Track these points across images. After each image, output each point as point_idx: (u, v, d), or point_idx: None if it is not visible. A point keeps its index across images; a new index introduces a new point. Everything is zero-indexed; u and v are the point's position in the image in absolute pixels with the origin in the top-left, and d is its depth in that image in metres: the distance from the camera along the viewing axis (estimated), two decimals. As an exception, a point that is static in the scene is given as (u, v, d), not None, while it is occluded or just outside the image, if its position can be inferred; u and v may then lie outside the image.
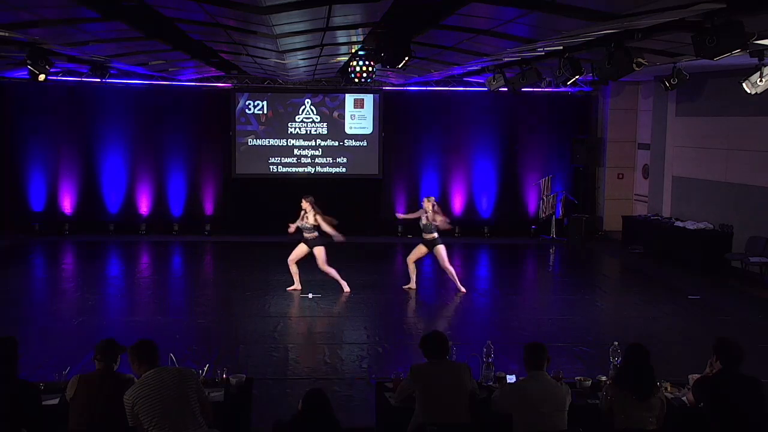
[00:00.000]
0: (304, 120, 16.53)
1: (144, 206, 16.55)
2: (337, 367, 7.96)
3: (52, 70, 10.79)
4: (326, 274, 11.11)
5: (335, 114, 16.58)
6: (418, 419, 4.94)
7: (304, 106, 16.51)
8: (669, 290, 12.01)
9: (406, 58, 9.48)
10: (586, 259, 15.19)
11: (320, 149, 16.63)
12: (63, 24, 8.25)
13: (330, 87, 16.43)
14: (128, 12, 7.88)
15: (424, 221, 11.05)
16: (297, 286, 11.22)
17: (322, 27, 7.90)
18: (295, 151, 16.58)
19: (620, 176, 17.05)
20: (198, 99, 16.45)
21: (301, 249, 11.04)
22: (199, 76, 15.84)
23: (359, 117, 16.64)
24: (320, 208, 10.97)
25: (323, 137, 16.61)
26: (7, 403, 4.54)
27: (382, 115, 16.62)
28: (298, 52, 10.21)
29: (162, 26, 8.84)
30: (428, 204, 11.09)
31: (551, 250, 15.89)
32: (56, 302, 10.86)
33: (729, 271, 12.90)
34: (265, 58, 11.25)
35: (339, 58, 12.13)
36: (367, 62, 11.97)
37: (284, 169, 16.55)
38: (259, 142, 16.51)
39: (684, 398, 5.34)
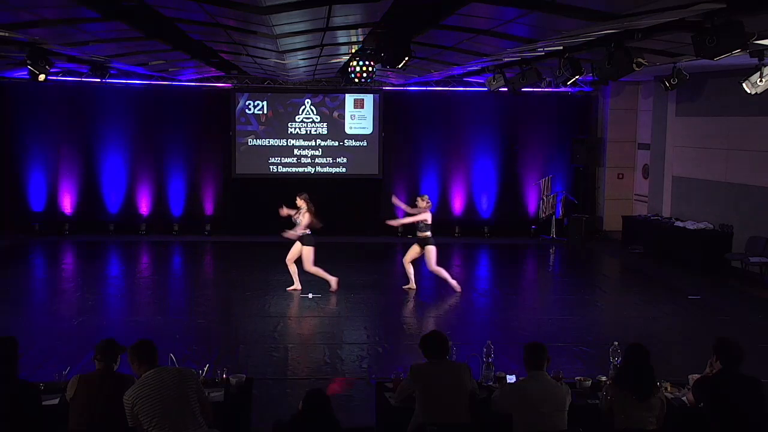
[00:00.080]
0: (304, 120, 16.53)
1: (144, 206, 16.55)
2: (337, 367, 7.96)
3: (52, 70, 10.79)
4: (314, 275, 11.11)
5: (335, 114, 16.58)
6: (418, 419, 4.94)
7: (304, 106, 16.51)
8: (669, 290, 12.01)
9: (406, 58, 9.48)
10: (586, 259, 15.19)
11: (320, 149, 16.63)
12: (63, 24, 8.25)
13: (330, 87, 16.43)
14: (128, 12, 7.88)
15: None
16: (297, 285, 11.21)
17: (322, 27, 7.90)
18: (295, 151, 16.58)
19: (620, 176, 17.05)
20: (198, 99, 16.45)
21: (297, 248, 11.06)
22: (199, 76, 15.84)
23: (359, 117, 16.64)
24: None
25: (323, 137, 16.61)
26: (7, 403, 4.54)
27: (382, 115, 16.62)
28: (298, 52, 10.21)
29: (162, 26, 8.84)
30: (422, 202, 11.10)
31: (551, 250, 15.89)
32: (56, 302, 10.86)
33: (729, 271, 12.90)
34: (265, 58, 11.25)
35: (339, 58, 12.13)
36: (367, 62, 11.96)
37: (284, 169, 16.55)
38: (259, 142, 16.51)
39: (684, 398, 5.34)
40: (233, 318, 10.05)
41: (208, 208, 16.69)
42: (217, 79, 16.18)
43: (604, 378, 5.62)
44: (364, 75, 12.11)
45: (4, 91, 15.64)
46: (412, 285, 11.40)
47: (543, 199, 16.77)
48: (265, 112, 16.48)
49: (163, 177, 16.52)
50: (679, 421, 5.14)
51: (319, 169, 16.66)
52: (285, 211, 11.09)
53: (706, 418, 4.88)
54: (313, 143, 16.60)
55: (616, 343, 5.83)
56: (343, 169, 16.71)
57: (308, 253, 10.97)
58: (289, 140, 16.55)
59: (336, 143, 16.64)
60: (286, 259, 11.17)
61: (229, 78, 16.08)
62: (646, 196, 16.26)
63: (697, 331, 9.74)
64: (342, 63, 12.96)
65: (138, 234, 16.29)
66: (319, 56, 11.12)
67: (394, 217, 12.48)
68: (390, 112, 16.69)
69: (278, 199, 11.45)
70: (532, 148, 17.07)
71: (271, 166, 16.55)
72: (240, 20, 7.46)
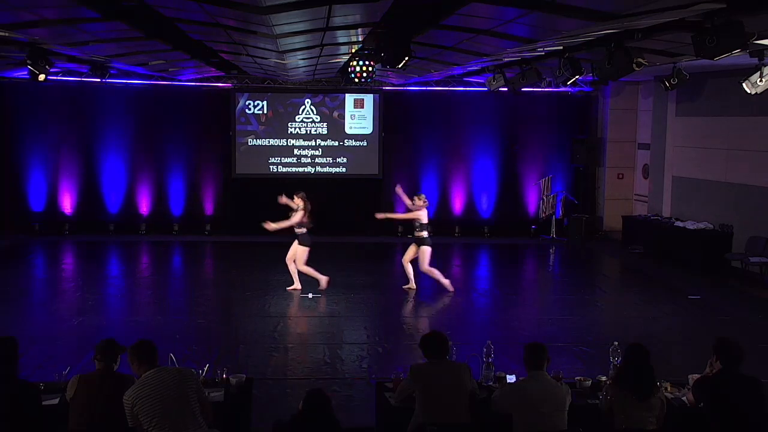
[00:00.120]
0: (304, 120, 16.53)
1: (144, 206, 16.55)
2: (337, 367, 7.96)
3: (52, 70, 10.80)
4: (306, 274, 11.13)
5: (335, 114, 16.58)
6: (418, 419, 4.94)
7: (304, 106, 16.51)
8: (669, 290, 12.01)
9: (406, 58, 9.48)
10: (586, 259, 15.19)
11: (320, 149, 16.63)
12: (63, 24, 8.25)
13: (330, 87, 16.43)
14: (128, 12, 7.88)
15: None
16: (297, 285, 11.21)
17: (322, 27, 7.90)
18: (295, 151, 16.58)
19: (620, 176, 17.05)
20: (198, 99, 16.45)
21: (295, 246, 11.07)
22: (199, 76, 15.84)
23: (359, 117, 16.64)
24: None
25: (323, 137, 16.61)
26: (7, 403, 4.54)
27: (382, 115, 16.62)
28: (298, 52, 10.21)
29: (162, 26, 8.84)
30: (418, 201, 11.10)
31: (551, 250, 15.89)
32: (56, 302, 10.86)
33: (729, 271, 12.90)
34: (265, 58, 11.25)
35: (339, 58, 12.13)
36: (367, 62, 11.96)
37: (284, 169, 16.55)
38: (259, 142, 16.51)
39: (684, 398, 5.34)
40: (233, 318, 10.05)
41: (208, 208, 16.70)
42: (217, 79, 16.18)
43: (604, 378, 5.62)
44: (364, 75, 12.11)
45: (4, 91, 15.64)
46: (412, 285, 11.39)
47: (543, 199, 16.77)
48: (265, 112, 16.48)
49: (163, 177, 16.52)
50: (679, 421, 5.14)
51: (319, 169, 16.66)
52: (284, 199, 11.13)
53: (706, 418, 4.88)
54: (313, 143, 16.60)
55: (616, 343, 5.82)
56: (343, 169, 16.71)
57: (303, 252, 10.99)
58: (289, 140, 16.55)
59: (336, 143, 16.64)
60: (286, 259, 11.18)
61: (229, 78, 16.09)
62: (646, 196, 16.26)
63: (697, 331, 9.74)
64: (342, 63, 12.96)
65: (138, 234, 16.29)
66: (319, 56, 11.12)
67: (393, 213, 12.47)
68: (390, 112, 16.69)
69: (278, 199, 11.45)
70: (532, 148, 17.07)
71: (271, 166, 16.55)
72: (240, 20, 7.46)
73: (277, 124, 16.51)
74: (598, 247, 15.94)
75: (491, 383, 5.56)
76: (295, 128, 16.53)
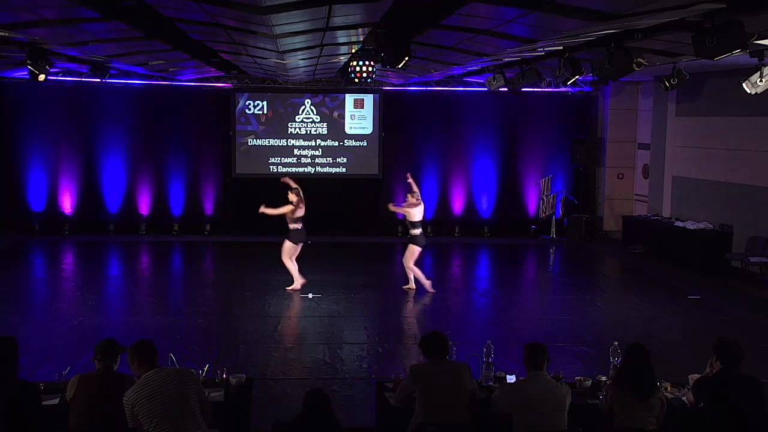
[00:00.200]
0: (304, 120, 16.53)
1: (144, 206, 16.55)
2: (337, 367, 7.96)
3: (52, 70, 10.80)
4: (286, 269, 11.17)
5: (335, 114, 16.58)
6: (418, 419, 4.94)
7: (304, 106, 16.51)
8: (669, 290, 12.01)
9: (406, 58, 9.48)
10: (586, 259, 15.19)
11: (320, 149, 16.63)
12: (63, 24, 8.25)
13: (330, 87, 16.43)
14: (128, 12, 7.88)
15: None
16: (297, 285, 11.21)
17: (322, 27, 7.90)
18: (295, 151, 16.58)
19: (620, 176, 17.05)
20: (198, 99, 16.44)
21: (288, 243, 11.13)
22: (199, 76, 15.84)
23: (359, 117, 16.64)
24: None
25: (323, 137, 16.61)
26: (7, 403, 4.53)
27: (382, 115, 16.61)
28: (298, 52, 10.21)
29: (162, 26, 8.84)
30: (411, 198, 11.16)
31: (551, 250, 15.88)
32: (56, 302, 10.86)
33: (729, 271, 12.90)
34: (265, 58, 11.25)
35: (339, 58, 12.13)
36: (367, 62, 11.96)
37: (284, 169, 16.51)
38: (259, 142, 16.51)
39: (684, 398, 5.33)
40: (233, 318, 10.04)
41: (208, 208, 16.69)
42: (217, 79, 16.18)
43: (604, 378, 5.62)
44: (364, 75, 12.11)
45: (4, 91, 15.64)
46: (412, 285, 11.39)
47: (543, 199, 16.77)
48: (265, 112, 16.48)
49: (163, 177, 16.52)
50: (679, 421, 5.14)
51: (319, 169, 16.66)
52: (287, 179, 11.41)
53: (706, 418, 4.88)
54: (313, 143, 16.59)
55: (616, 343, 5.83)
56: (343, 169, 16.71)
57: (290, 248, 11.03)
58: (289, 140, 16.55)
59: (336, 143, 16.64)
60: (282, 257, 11.20)
61: (229, 78, 16.08)
62: (646, 196, 16.26)
63: (697, 331, 9.74)
64: (342, 63, 12.96)
65: (138, 234, 16.28)
66: (319, 56, 11.12)
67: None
68: (390, 112, 16.69)
69: (278, 199, 11.44)
70: (532, 148, 17.06)
71: (271, 166, 16.54)
72: (240, 20, 7.46)
73: (277, 124, 16.51)
74: (598, 247, 15.94)
75: (491, 383, 5.56)
76: (295, 128, 16.53)
